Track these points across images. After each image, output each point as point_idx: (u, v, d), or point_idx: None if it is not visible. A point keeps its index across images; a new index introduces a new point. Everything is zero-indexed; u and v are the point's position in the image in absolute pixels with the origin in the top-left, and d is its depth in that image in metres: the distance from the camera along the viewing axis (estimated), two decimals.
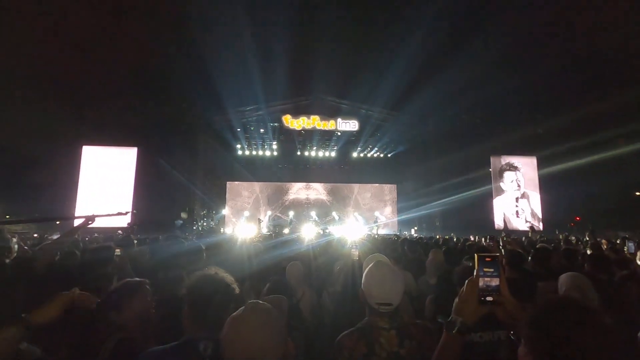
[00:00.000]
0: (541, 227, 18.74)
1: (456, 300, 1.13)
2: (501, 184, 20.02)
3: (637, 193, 17.78)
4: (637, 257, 3.82)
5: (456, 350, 1.10)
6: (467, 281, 1.14)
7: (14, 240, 4.43)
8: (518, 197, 19.91)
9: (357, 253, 2.95)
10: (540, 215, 19.60)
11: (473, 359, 1.69)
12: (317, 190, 22.28)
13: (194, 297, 1.38)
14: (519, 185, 20.00)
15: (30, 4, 13.54)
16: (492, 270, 1.11)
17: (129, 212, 3.31)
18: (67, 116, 16.71)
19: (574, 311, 0.84)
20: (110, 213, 3.24)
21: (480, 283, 1.10)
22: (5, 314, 1.42)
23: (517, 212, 19.74)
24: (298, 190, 22.05)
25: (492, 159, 20.09)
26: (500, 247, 4.81)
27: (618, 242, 5.52)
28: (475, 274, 1.12)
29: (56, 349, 1.58)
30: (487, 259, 1.12)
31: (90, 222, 3.12)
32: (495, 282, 1.10)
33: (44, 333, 1.43)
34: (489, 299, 1.09)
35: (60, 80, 15.46)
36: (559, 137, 17.18)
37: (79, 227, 3.07)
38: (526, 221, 19.24)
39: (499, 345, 1.75)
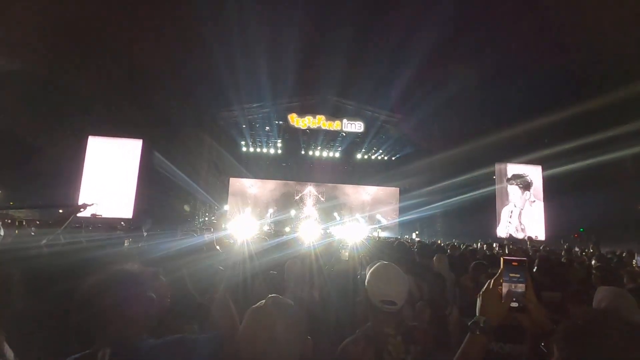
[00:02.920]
0: (543, 237, 18.60)
1: (479, 300, 1.10)
2: (506, 193, 19.88)
3: None
4: None
5: (479, 352, 1.05)
6: (489, 280, 1.10)
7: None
8: (513, 210, 19.74)
9: (347, 253, 2.95)
10: (543, 225, 19.45)
11: None
12: (320, 190, 22.24)
13: (90, 301, 1.19)
14: (523, 196, 19.86)
15: None
16: (518, 275, 1.07)
17: (93, 204, 3.21)
18: (75, 107, 16.79)
19: (620, 326, 0.79)
20: (73, 204, 3.13)
21: (506, 289, 1.06)
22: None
23: (513, 224, 19.59)
24: (305, 194, 22.02)
25: (497, 167, 19.95)
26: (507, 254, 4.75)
27: (624, 254, 5.46)
28: (498, 275, 1.08)
29: None
30: (514, 264, 1.08)
31: (81, 210, 3.04)
32: (521, 287, 1.06)
33: None
34: (515, 304, 1.05)
35: (69, 72, 15.52)
36: (565, 147, 17.04)
37: (69, 215, 2.87)
38: (522, 229, 19.13)
39: (521, 359, 1.70)
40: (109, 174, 17.79)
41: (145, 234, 4.68)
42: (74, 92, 16.12)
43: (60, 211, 2.94)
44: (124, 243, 3.16)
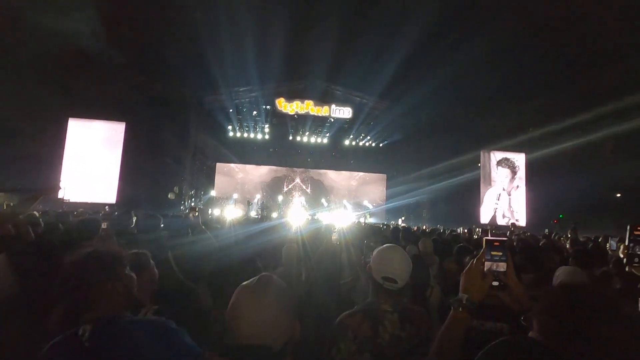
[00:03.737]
0: (524, 224, 19.14)
1: (462, 278, 1.13)
2: (494, 175, 20.28)
3: (618, 195, 18.28)
4: (620, 251, 3.93)
5: (461, 329, 1.08)
6: (472, 260, 1.14)
7: None
8: (501, 194, 20.21)
9: (336, 237, 3.01)
10: (525, 212, 19.99)
11: (470, 345, 1.72)
12: (307, 176, 22.25)
13: (73, 280, 1.23)
14: (508, 181, 20.31)
15: None
16: (500, 254, 1.10)
17: (60, 189, 3.07)
18: (54, 88, 16.12)
19: (595, 298, 0.82)
20: (41, 187, 2.98)
21: (487, 267, 1.10)
22: None
23: (501, 207, 20.08)
24: (295, 182, 21.97)
25: (482, 154, 20.28)
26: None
27: (600, 239, 5.69)
28: (480, 254, 1.12)
29: None
30: (495, 243, 1.11)
31: (49, 193, 2.92)
32: (502, 266, 1.09)
33: None
34: (496, 283, 1.09)
35: (47, 50, 14.84)
36: (548, 135, 17.41)
37: (36, 196, 2.75)
38: (504, 216, 19.65)
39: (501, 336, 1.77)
40: (91, 158, 17.32)
41: (134, 218, 4.63)
42: (54, 72, 15.48)
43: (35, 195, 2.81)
44: (101, 226, 3.10)
